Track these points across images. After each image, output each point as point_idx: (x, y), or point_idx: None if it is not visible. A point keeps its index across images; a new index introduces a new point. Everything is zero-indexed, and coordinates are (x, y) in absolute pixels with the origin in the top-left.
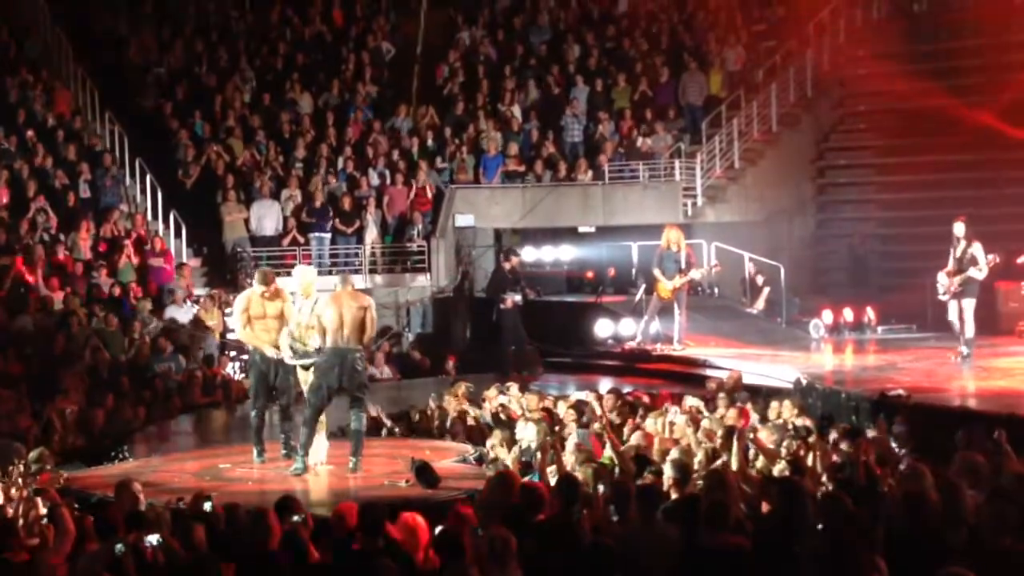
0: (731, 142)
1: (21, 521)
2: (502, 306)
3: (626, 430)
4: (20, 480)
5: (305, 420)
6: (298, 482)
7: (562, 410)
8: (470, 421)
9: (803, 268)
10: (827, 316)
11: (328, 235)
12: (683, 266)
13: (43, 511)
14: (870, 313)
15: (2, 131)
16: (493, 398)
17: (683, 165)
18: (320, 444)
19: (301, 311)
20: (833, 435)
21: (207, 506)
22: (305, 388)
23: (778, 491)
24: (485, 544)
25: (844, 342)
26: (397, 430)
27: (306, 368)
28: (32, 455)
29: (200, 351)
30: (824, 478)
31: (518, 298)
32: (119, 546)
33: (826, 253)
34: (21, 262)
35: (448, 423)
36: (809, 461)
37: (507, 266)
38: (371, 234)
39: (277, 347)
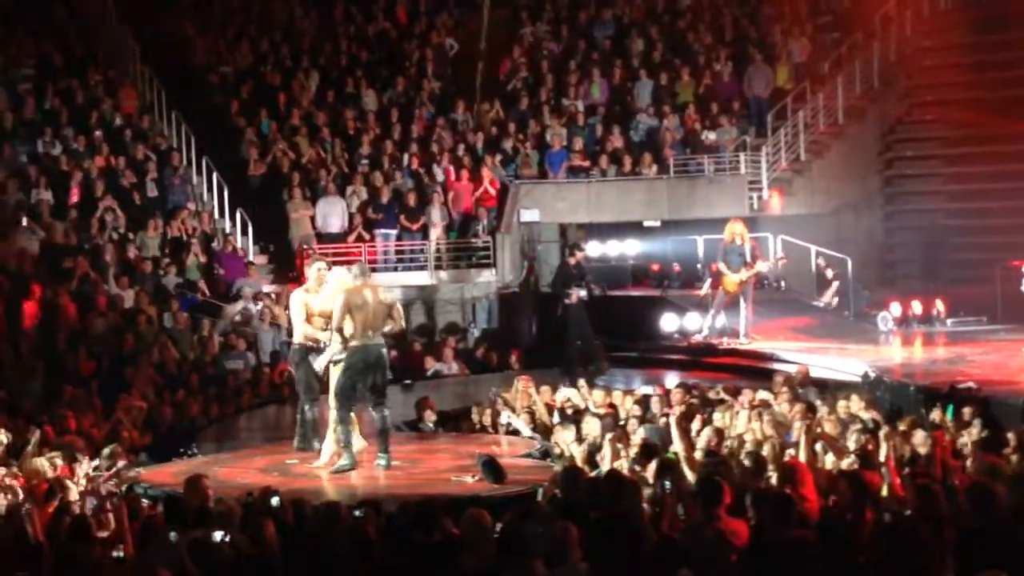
0: (796, 135)
1: (90, 513)
2: (567, 301)
3: (695, 425)
4: (91, 476)
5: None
6: (362, 478)
7: (628, 405)
8: (537, 416)
9: (870, 261)
10: (895, 309)
11: (394, 232)
12: (748, 259)
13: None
14: (939, 305)
15: (72, 132)
16: (558, 393)
17: (748, 158)
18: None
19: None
20: (903, 428)
21: (274, 501)
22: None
23: (847, 485)
24: (549, 538)
25: (913, 335)
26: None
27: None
28: (105, 452)
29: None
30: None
31: (583, 293)
32: (172, 534)
33: (894, 245)
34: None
35: (509, 419)
36: (880, 455)
37: (572, 261)
38: (436, 230)
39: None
